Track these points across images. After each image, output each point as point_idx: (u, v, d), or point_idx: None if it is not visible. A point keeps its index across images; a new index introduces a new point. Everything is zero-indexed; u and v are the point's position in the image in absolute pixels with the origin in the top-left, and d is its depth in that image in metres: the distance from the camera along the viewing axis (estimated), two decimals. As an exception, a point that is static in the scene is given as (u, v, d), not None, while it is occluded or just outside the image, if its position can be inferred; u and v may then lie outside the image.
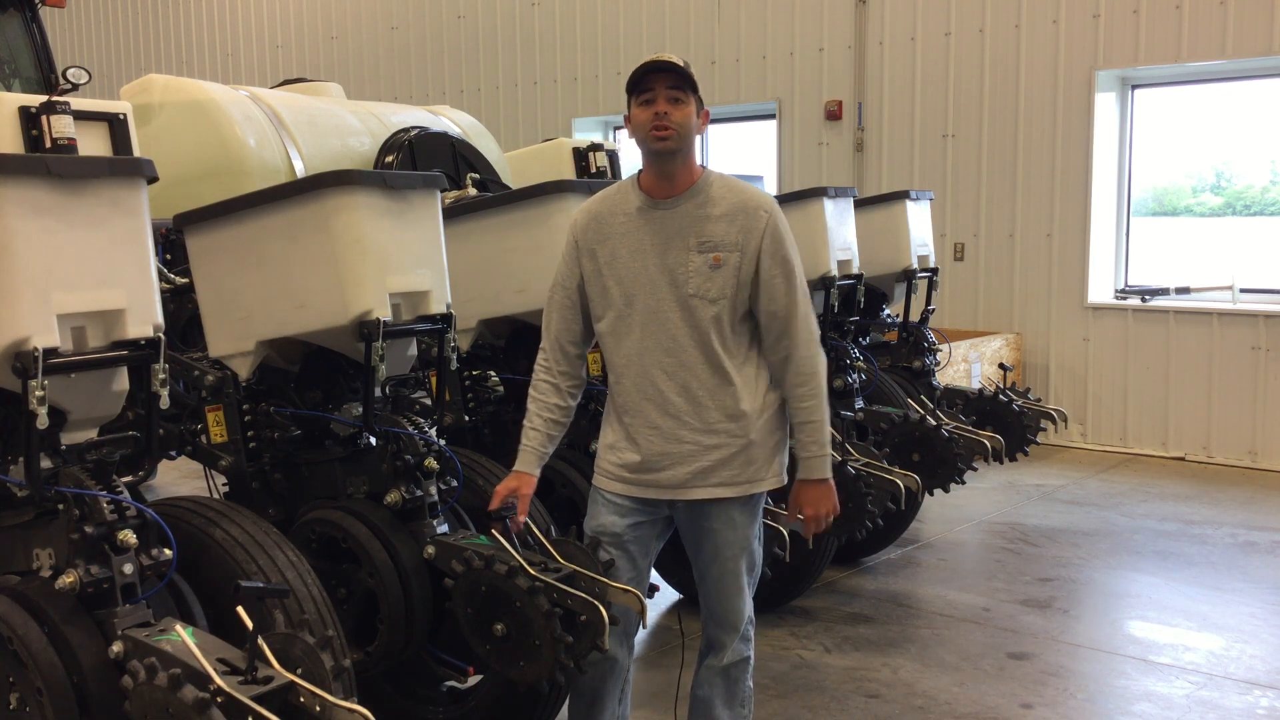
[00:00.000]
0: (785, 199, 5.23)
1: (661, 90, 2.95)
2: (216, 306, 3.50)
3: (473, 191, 5.16)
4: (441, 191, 3.54)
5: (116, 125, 2.88)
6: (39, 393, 2.60)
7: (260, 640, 2.41)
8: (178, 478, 7.19)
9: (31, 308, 2.61)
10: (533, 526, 3.15)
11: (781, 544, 4.08)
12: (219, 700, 2.29)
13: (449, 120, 6.04)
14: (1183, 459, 8.22)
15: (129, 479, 2.89)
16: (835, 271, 5.33)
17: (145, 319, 2.81)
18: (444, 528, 3.43)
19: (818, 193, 5.33)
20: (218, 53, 14.46)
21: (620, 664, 3.21)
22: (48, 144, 2.71)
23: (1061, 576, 5.67)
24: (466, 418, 4.30)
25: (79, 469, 2.75)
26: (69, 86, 6.16)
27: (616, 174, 5.86)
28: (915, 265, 6.06)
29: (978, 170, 8.98)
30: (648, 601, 3.03)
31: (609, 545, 3.10)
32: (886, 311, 6.31)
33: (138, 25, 15.43)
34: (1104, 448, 8.58)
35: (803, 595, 5.26)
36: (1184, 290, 8.55)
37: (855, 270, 5.53)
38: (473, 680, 3.74)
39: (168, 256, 4.49)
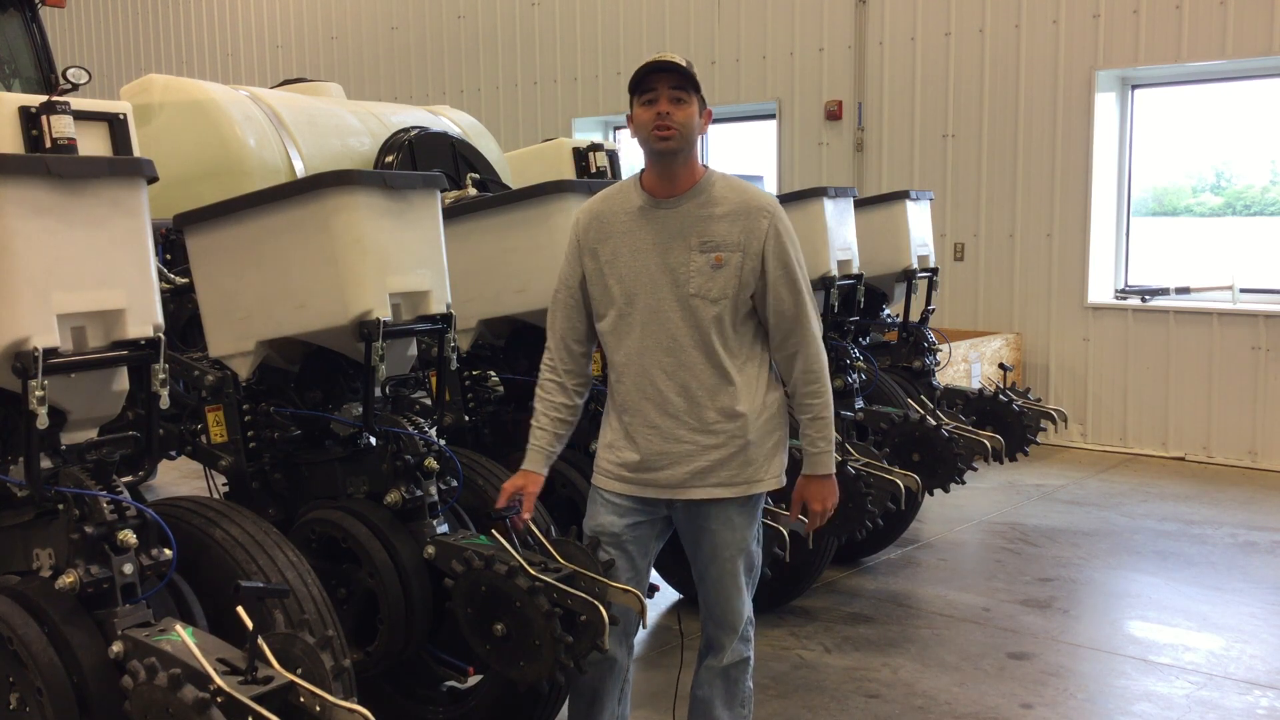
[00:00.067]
0: (785, 199, 5.23)
1: (664, 90, 2.95)
2: (216, 306, 3.50)
3: (473, 191, 5.16)
4: (441, 191, 3.54)
5: (116, 125, 2.88)
6: (39, 393, 2.59)
7: (260, 640, 2.41)
8: (178, 478, 7.19)
9: (31, 308, 2.61)
10: (532, 526, 3.15)
11: (781, 544, 4.08)
12: (219, 700, 2.29)
13: (449, 120, 6.04)
14: (1183, 459, 8.22)
15: (129, 479, 2.89)
16: (835, 271, 5.33)
17: (145, 319, 2.81)
18: (444, 528, 3.43)
19: (818, 193, 5.33)
20: (218, 53, 14.46)
21: (620, 664, 3.21)
22: (48, 144, 2.71)
23: (1061, 576, 5.67)
24: (466, 418, 4.30)
25: (79, 469, 2.75)
26: (69, 86, 6.16)
27: (616, 174, 5.86)
28: (915, 265, 6.06)
29: (978, 170, 8.98)
30: (647, 601, 3.04)
31: (608, 545, 3.11)
32: (886, 311, 6.31)
33: (138, 25, 15.43)
34: (1104, 448, 8.58)
35: (803, 595, 5.26)
36: (1184, 290, 8.55)
37: (855, 270, 5.53)
38: (473, 680, 3.74)
39: (168, 256, 4.49)
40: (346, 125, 5.52)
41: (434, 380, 3.93)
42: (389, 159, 5.42)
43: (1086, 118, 8.44)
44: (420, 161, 5.39)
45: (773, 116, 10.07)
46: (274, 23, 13.83)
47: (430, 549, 3.32)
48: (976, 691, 4.32)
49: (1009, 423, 5.87)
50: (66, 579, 2.60)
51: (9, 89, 6.35)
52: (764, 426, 3.10)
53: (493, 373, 4.42)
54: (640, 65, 2.99)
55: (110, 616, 2.62)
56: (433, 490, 3.43)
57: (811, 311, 3.10)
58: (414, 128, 5.61)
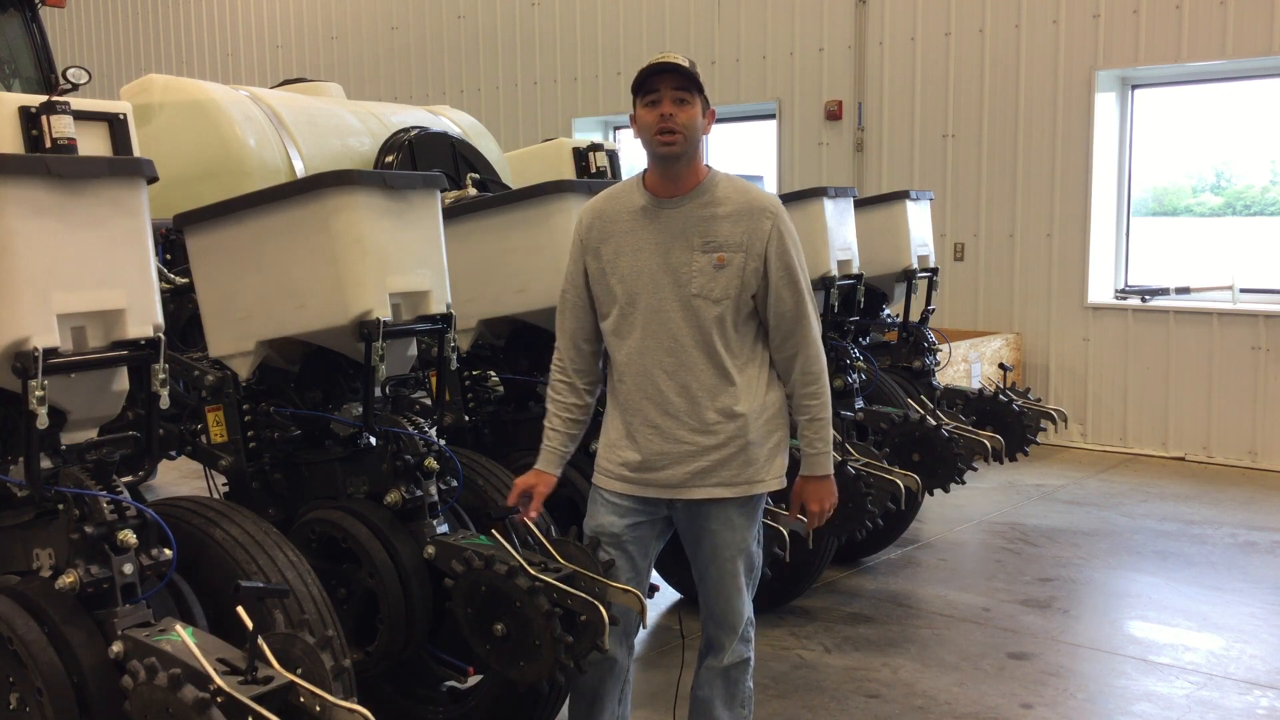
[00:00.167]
0: (785, 199, 5.22)
1: (667, 91, 2.94)
2: (216, 306, 3.50)
3: (473, 191, 5.16)
4: (441, 191, 3.54)
5: (116, 125, 2.88)
6: (39, 393, 2.60)
7: (260, 640, 2.41)
8: (178, 478, 7.19)
9: (31, 308, 2.61)
10: (533, 526, 3.15)
11: (781, 544, 4.08)
12: (219, 700, 2.29)
13: (449, 120, 6.04)
14: (1183, 459, 8.22)
15: (129, 479, 2.89)
16: (835, 271, 5.33)
17: (145, 319, 2.81)
18: (444, 528, 3.43)
19: (818, 193, 5.33)
20: (218, 53, 14.46)
21: (620, 664, 3.21)
22: (48, 144, 2.71)
23: (1061, 576, 5.67)
24: (466, 418, 4.31)
25: (79, 469, 2.75)
26: (69, 86, 6.16)
27: (616, 174, 5.86)
28: (915, 265, 6.06)
29: (978, 170, 8.98)
30: (648, 602, 3.04)
31: (608, 545, 3.11)
32: (886, 311, 6.31)
33: (138, 25, 15.43)
34: (1104, 448, 8.58)
35: (803, 595, 5.26)
36: (1184, 290, 8.55)
37: (855, 270, 5.53)
38: (473, 680, 3.74)
39: (168, 256, 4.49)
40: (346, 125, 5.52)
41: (434, 380, 3.93)
42: (389, 159, 5.42)
43: (1086, 118, 8.43)
44: (420, 161, 5.39)
45: (773, 116, 10.07)
46: (274, 23, 13.83)
47: (430, 549, 3.32)
48: (976, 691, 4.32)
49: (1009, 423, 5.87)
50: (66, 579, 2.60)
51: (9, 89, 6.35)
52: (765, 427, 3.10)
53: (493, 373, 4.43)
54: (643, 66, 2.98)
55: (110, 616, 2.62)
56: (433, 490, 3.43)
57: (812, 313, 3.10)
58: (414, 128, 5.61)
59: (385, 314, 3.24)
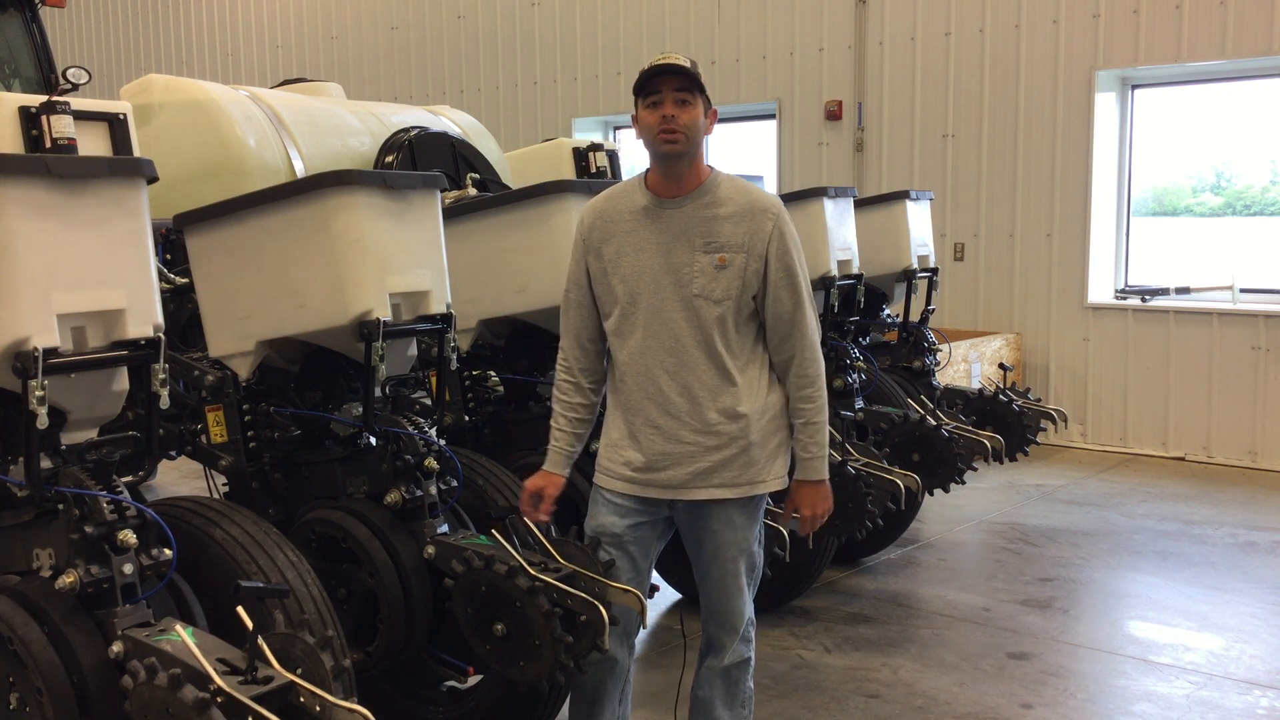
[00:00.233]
0: (785, 199, 5.19)
1: (668, 93, 2.94)
2: (216, 306, 3.50)
3: (473, 191, 5.16)
4: (441, 191, 3.54)
5: (116, 125, 2.88)
6: (39, 393, 2.60)
7: (260, 640, 2.41)
8: (178, 478, 7.19)
9: (31, 308, 2.61)
10: (533, 526, 3.15)
11: (781, 544, 4.08)
12: (219, 700, 2.29)
13: (449, 120, 6.04)
14: (1183, 459, 8.22)
15: (129, 479, 2.89)
16: (835, 271, 5.33)
17: (145, 319, 2.81)
18: (444, 528, 3.43)
19: (818, 193, 5.33)
20: (218, 53, 14.46)
21: (620, 664, 3.21)
22: (48, 144, 2.71)
23: (1061, 576, 5.67)
24: (466, 418, 4.31)
25: (79, 469, 2.75)
26: (69, 86, 6.16)
27: (616, 174, 5.86)
28: (915, 265, 6.06)
29: (978, 170, 8.98)
30: (648, 602, 3.04)
31: (609, 545, 3.10)
32: (886, 311, 6.31)
33: (138, 25, 15.43)
34: (1104, 448, 8.58)
35: (803, 595, 5.26)
36: (1184, 290, 8.55)
37: (855, 270, 5.53)
38: (473, 680, 3.74)
39: (168, 256, 4.49)
40: (346, 125, 5.52)
41: (434, 380, 3.93)
42: (389, 159, 5.42)
43: (1086, 118, 8.43)
44: (420, 161, 5.39)
45: (773, 116, 10.07)
46: (274, 23, 13.83)
47: (430, 549, 3.32)
48: (976, 691, 4.32)
49: (1009, 423, 5.87)
50: (66, 579, 2.60)
51: (9, 89, 6.35)
52: (766, 427, 3.10)
53: (493, 373, 4.43)
54: (645, 68, 2.98)
55: (110, 616, 2.62)
56: (433, 490, 3.43)
57: (810, 315, 3.10)
58: (414, 128, 5.61)
59: (385, 314, 3.24)
